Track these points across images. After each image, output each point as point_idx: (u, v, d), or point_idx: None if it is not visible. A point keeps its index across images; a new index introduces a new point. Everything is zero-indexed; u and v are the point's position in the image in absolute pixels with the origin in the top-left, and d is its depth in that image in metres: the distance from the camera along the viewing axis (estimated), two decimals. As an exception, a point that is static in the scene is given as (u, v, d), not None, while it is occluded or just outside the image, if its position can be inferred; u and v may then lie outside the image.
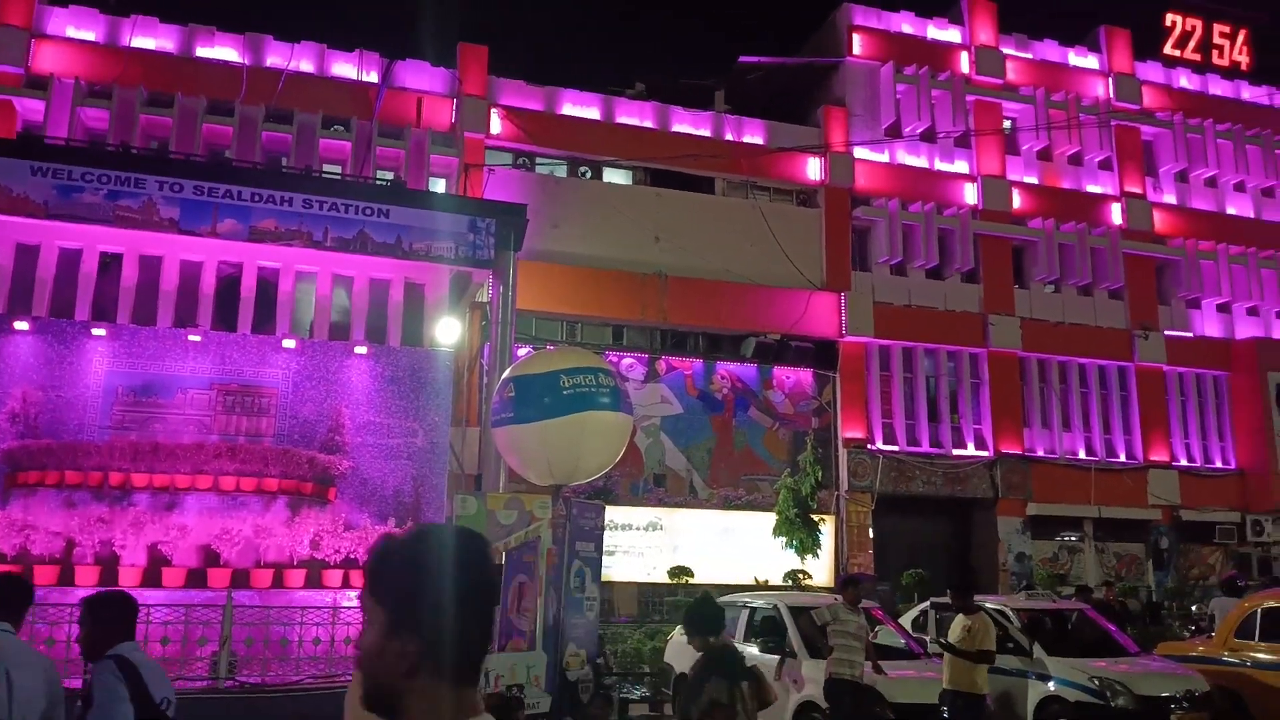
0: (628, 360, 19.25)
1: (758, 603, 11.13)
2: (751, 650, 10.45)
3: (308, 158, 17.37)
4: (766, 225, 20.31)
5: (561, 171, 19.98)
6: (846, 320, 20.38)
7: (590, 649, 8.86)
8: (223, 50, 18.04)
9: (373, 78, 18.69)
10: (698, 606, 5.71)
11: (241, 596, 9.60)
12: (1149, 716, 9.81)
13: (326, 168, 17.23)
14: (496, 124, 19.16)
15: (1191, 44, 25.08)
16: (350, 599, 10.27)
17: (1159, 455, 22.00)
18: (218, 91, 17.50)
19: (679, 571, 17.87)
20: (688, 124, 20.61)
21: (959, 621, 8.84)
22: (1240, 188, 24.33)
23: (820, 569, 18.86)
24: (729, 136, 20.71)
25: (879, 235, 21.29)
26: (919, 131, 21.80)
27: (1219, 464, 22.67)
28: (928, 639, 11.45)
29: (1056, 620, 11.74)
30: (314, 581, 10.43)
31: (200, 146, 16.90)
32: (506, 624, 8.50)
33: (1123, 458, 21.88)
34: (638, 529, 18.65)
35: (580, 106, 20.04)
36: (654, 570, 18.27)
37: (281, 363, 12.16)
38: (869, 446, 20.26)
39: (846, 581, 9.75)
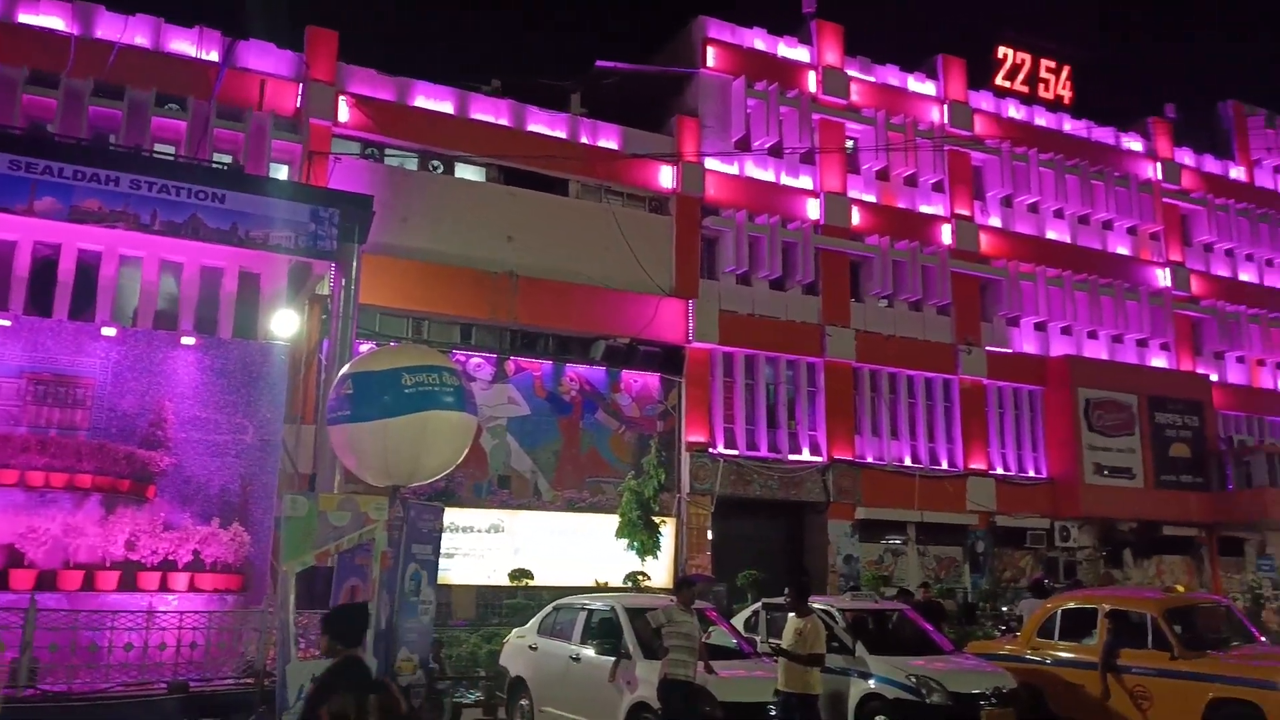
0: (476, 360, 19.04)
1: (595, 605, 11.18)
2: (588, 652, 10.51)
3: (139, 136, 16.45)
4: (619, 230, 20.49)
5: (412, 165, 19.59)
6: (694, 327, 20.78)
7: (423, 653, 8.70)
8: (48, 18, 16.88)
9: (213, 56, 17.87)
10: (348, 613, 5.52)
11: (48, 600, 8.97)
12: (961, 712, 10.39)
13: (159, 148, 16.35)
14: (344, 112, 18.62)
15: (1020, 77, 26.76)
16: (169, 602, 9.77)
17: (978, 463, 23.35)
18: (41, 61, 16.38)
19: (519, 574, 17.80)
20: (543, 124, 20.56)
21: (792, 624, 9.13)
22: (1059, 214, 26.10)
23: (660, 570, 19.13)
24: (584, 139, 20.78)
25: (727, 245, 21.81)
26: (767, 146, 22.45)
27: (1032, 473, 24.24)
28: (758, 639, 11.80)
29: (879, 620, 12.28)
30: (128, 584, 9.86)
31: (19, 118, 15.74)
32: (336, 628, 8.26)
33: (945, 465, 23.12)
34: (479, 531, 18.47)
35: (433, 99, 19.70)
36: (494, 573, 18.13)
37: (100, 352, 11.44)
38: (710, 450, 20.70)
39: (681, 583, 9.92)
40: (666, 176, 21.43)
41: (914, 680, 10.43)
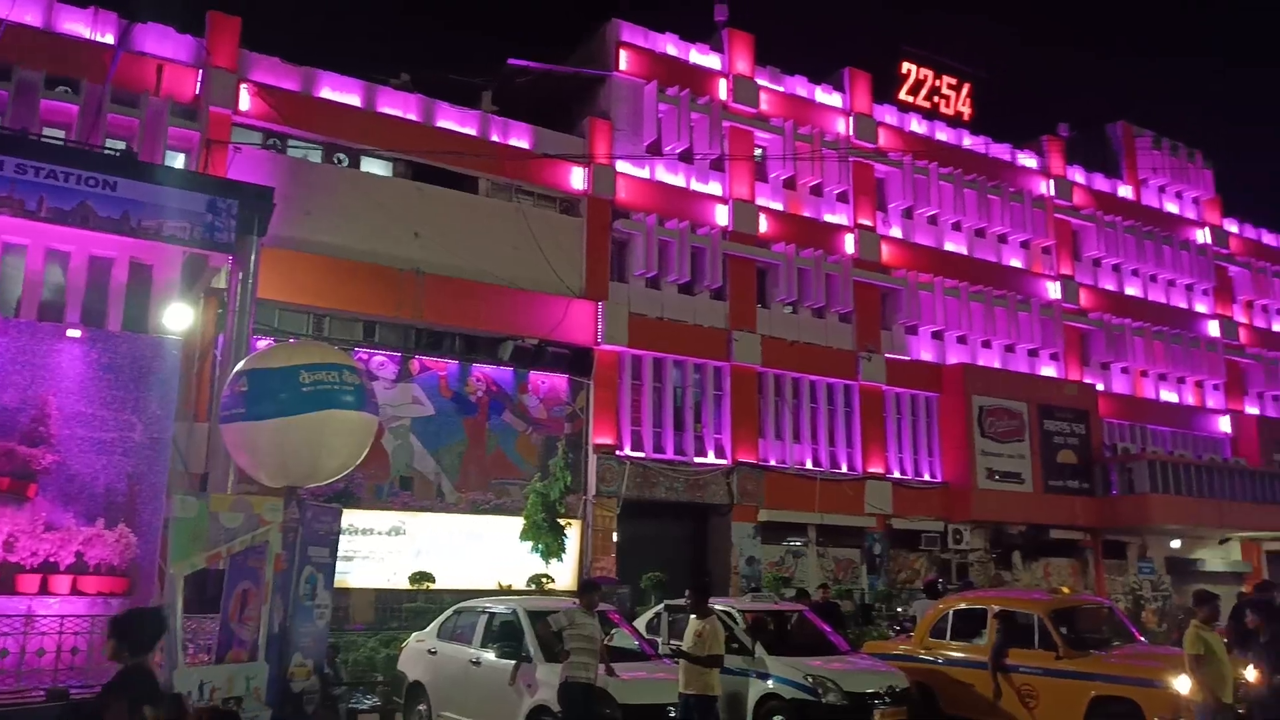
0: (379, 358, 18.71)
1: (496, 608, 11.11)
2: (488, 656, 10.43)
3: (26, 119, 15.67)
4: (529, 230, 20.38)
5: (316, 157, 19.14)
6: (603, 329, 20.80)
7: (318, 658, 8.52)
8: (-76, -13, 15.97)
9: (109, 39, 17.16)
10: (139, 618, 5.24)
11: (-87, 605, 8.49)
12: (856, 711, 10.64)
13: (48, 131, 15.61)
14: (246, 100, 18.10)
15: (923, 92, 27.52)
16: (50, 606, 9.34)
17: (876, 467, 23.93)
18: (-85, 34, 15.48)
19: (420, 577, 17.54)
20: (453, 121, 20.33)
21: (692, 625, 9.23)
22: (957, 227, 26.92)
23: (565, 573, 19.08)
24: (495, 138, 20.62)
25: (637, 248, 21.89)
26: (678, 151, 22.62)
27: (927, 477, 24.94)
28: (660, 641, 11.88)
29: (778, 621, 12.49)
30: (6, 587, 9.37)
31: (-110, 95, 14.88)
32: (227, 633, 8.03)
33: (844, 469, 23.63)
34: (380, 533, 18.14)
35: (340, 91, 19.30)
36: (395, 576, 17.82)
37: (-22, 343, 10.86)
38: (618, 453, 20.75)
39: (585, 586, 9.94)
40: (578, 178, 21.41)
41: (811, 680, 10.64)
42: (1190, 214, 32.50)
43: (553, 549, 18.31)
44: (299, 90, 18.84)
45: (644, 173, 22.38)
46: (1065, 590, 17.37)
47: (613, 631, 10.95)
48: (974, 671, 11.84)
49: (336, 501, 12.52)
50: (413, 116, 19.88)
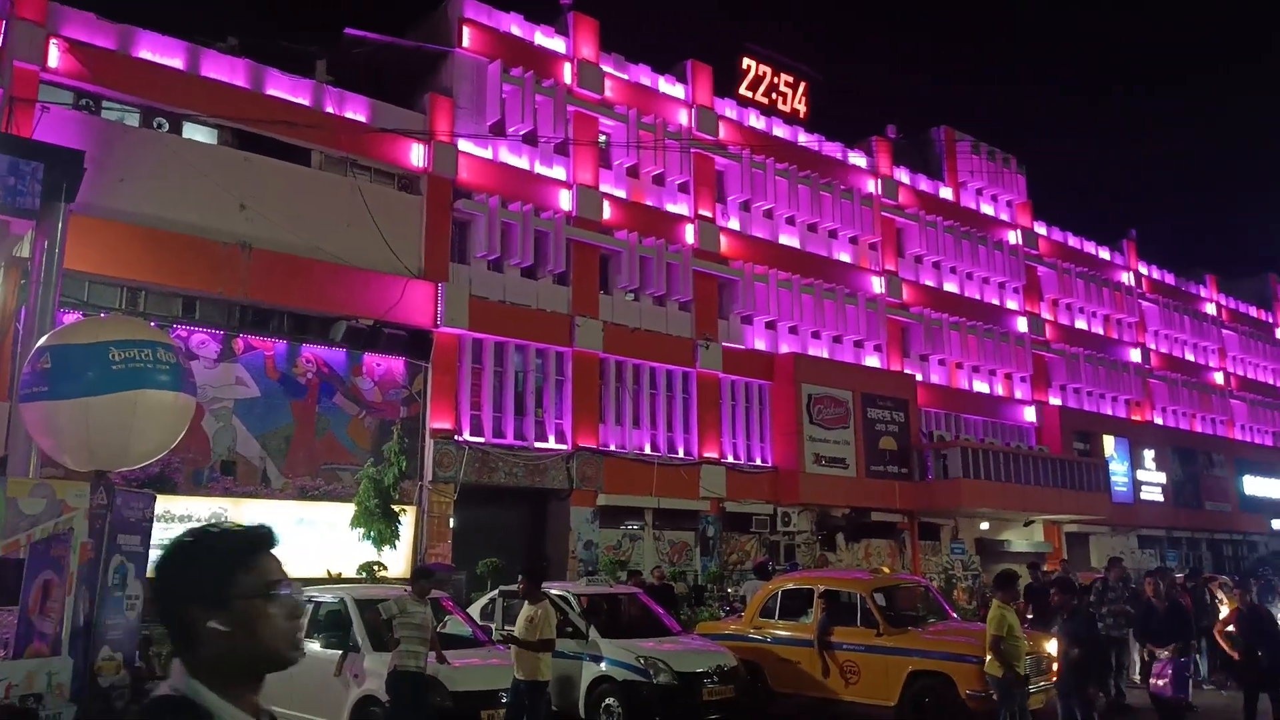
0: (200, 336, 17.74)
1: (323, 597, 10.76)
2: (314, 646, 10.09)
3: None
4: (365, 206, 19.73)
5: (134, 120, 17.93)
6: (443, 311, 20.40)
7: (129, 652, 8.05)
8: None
9: (-111, -24, 15.55)
10: None
11: None
12: (685, 691, 10.87)
13: None
14: (55, 57, 16.76)
15: (762, 88, 28.23)
16: None
17: (711, 452, 24.49)
18: None
19: (244, 564, 16.78)
20: (284, 89, 19.44)
21: (524, 611, 9.19)
22: (791, 221, 27.78)
23: (398, 560, 18.64)
24: (330, 109, 19.84)
25: (479, 230, 21.56)
26: (522, 133, 22.39)
27: (759, 461, 25.71)
28: (494, 627, 11.80)
29: (612, 604, 12.62)
30: None
31: None
32: (26, 626, 7.48)
33: (681, 454, 24.08)
34: (199, 521, 17.20)
35: (160, 52, 18.13)
36: (215, 563, 16.97)
37: None
38: (456, 438, 20.43)
39: (418, 574, 9.76)
40: (418, 155, 20.87)
41: (643, 662, 10.80)
42: (1004, 216, 34.68)
43: (386, 536, 17.85)
44: (115, 49, 17.59)
45: (487, 153, 22.06)
46: (885, 570, 18.27)
47: (446, 619, 10.81)
48: (800, 649, 12.30)
49: (150, 487, 11.84)
50: (240, 83, 18.89)
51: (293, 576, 2.00)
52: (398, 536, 18.14)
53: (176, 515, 16.57)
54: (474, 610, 12.59)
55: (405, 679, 8.57)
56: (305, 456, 18.73)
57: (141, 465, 8.60)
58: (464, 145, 21.50)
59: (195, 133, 18.63)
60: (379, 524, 17.81)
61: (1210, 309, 43.32)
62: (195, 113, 18.37)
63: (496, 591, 13.11)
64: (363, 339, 19.39)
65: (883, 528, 27.63)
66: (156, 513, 8.99)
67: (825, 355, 27.61)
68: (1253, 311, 46.04)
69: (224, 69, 18.80)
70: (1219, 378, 42.24)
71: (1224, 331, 43.26)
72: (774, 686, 12.61)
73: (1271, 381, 45.52)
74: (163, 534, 14.67)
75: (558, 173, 23.16)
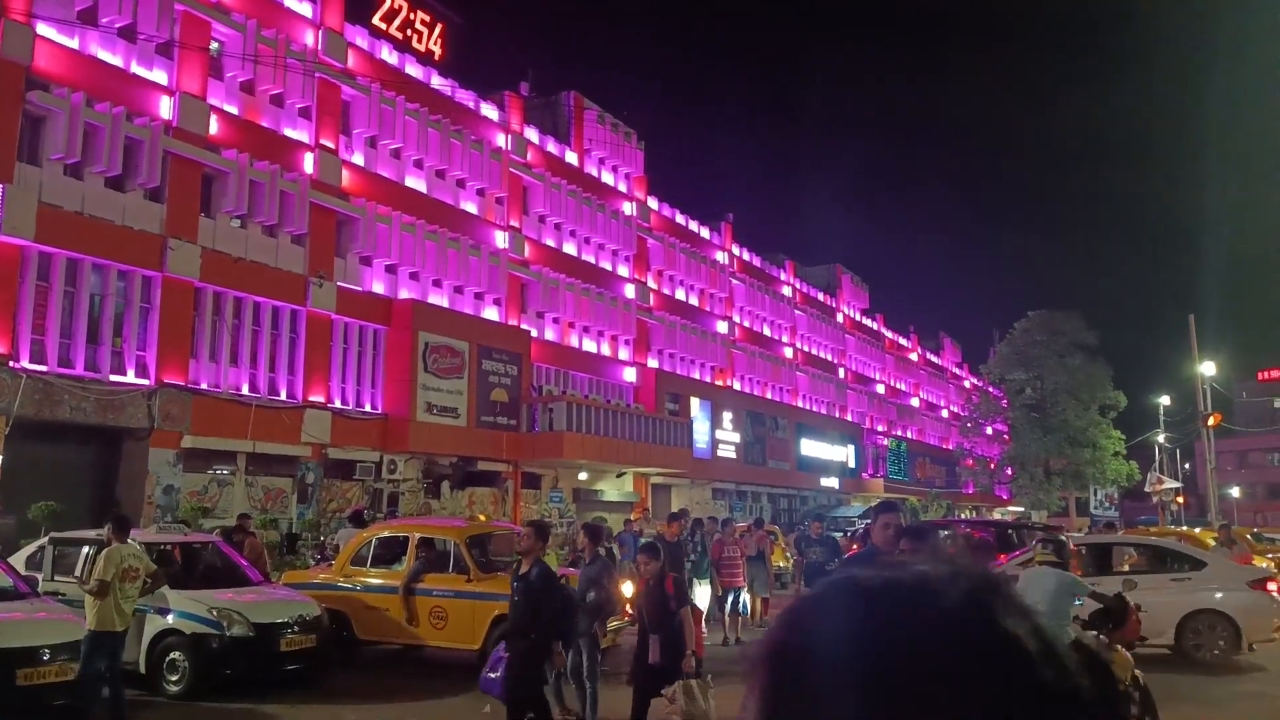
0: None
1: None
2: None
3: None
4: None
5: None
6: (3, 217, 17.61)
7: None
8: None
9: None
10: None
11: None
12: (262, 642, 10.42)
13: None
14: None
15: (397, 22, 27.24)
16: None
17: (317, 395, 23.50)
18: None
19: None
20: None
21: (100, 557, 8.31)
22: (419, 164, 27.22)
23: (-77, 501, 16.00)
24: None
25: (56, 128, 18.81)
26: (118, 25, 19.82)
27: (368, 407, 25.09)
28: (40, 578, 10.53)
29: (187, 554, 11.76)
30: None
31: None
32: None
33: (283, 396, 22.86)
34: None
35: None
36: None
37: None
38: (12, 364, 17.83)
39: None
40: (-21, 31, 17.75)
41: (216, 614, 10.19)
42: (622, 187, 36.50)
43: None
44: None
45: (73, 42, 19.28)
46: (482, 518, 18.64)
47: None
48: (390, 597, 12.24)
49: None
50: None
51: None
52: (-76, 475, 15.56)
53: None
54: (18, 559, 11.13)
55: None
56: None
57: None
58: (44, 30, 18.62)
59: None
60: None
61: (787, 291, 48.74)
62: None
63: (47, 539, 11.68)
64: (-110, 240, 16.25)
65: (488, 476, 28.21)
66: None
67: (445, 305, 27.47)
68: (820, 296, 52.55)
69: None
70: (789, 352, 47.75)
71: (796, 312, 48.96)
72: (360, 635, 12.46)
73: (830, 358, 52.33)
74: None
75: (158, 76, 20.80)
